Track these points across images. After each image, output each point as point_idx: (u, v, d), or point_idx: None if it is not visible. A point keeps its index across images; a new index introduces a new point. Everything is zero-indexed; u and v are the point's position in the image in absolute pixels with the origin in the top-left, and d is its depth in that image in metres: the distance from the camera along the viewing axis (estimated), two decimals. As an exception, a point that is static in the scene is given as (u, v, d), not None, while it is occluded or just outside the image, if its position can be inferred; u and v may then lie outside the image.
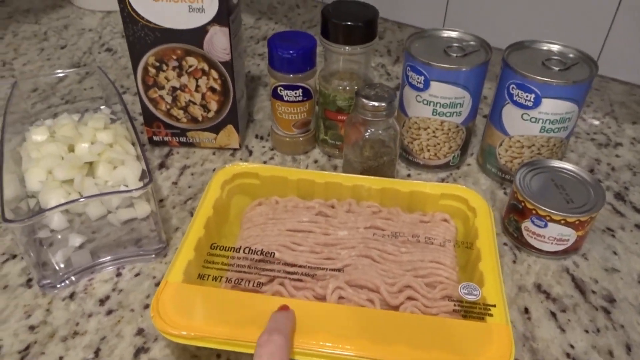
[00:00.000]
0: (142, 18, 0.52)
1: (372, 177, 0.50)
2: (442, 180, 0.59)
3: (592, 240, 0.52)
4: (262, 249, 0.44)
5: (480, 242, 0.44)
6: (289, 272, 0.42)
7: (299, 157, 0.62)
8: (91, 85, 0.72)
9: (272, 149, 0.63)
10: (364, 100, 0.50)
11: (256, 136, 0.65)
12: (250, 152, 0.62)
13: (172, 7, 0.51)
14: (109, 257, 0.49)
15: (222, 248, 0.44)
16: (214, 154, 0.62)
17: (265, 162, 0.61)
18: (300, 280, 0.42)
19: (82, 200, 0.46)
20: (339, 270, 0.43)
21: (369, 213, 0.49)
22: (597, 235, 0.52)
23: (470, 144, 0.61)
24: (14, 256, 0.49)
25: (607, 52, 0.73)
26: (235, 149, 0.62)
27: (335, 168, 0.60)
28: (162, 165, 0.60)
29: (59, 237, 0.49)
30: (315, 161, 0.61)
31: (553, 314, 0.45)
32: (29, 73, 0.76)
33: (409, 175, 0.59)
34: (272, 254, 0.43)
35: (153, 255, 0.50)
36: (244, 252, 0.44)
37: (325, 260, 0.44)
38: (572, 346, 0.43)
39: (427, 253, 0.45)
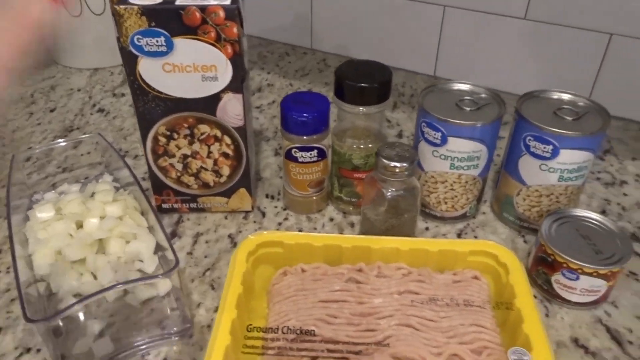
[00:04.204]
0: (153, 89, 0.51)
1: (401, 239, 0.49)
2: (460, 232, 0.59)
3: (619, 286, 0.52)
4: (300, 327, 0.42)
5: (520, 301, 0.44)
6: (331, 350, 0.41)
7: (314, 216, 0.60)
8: (88, 150, 0.70)
9: (284, 209, 0.61)
10: (385, 160, 0.50)
11: (267, 195, 0.63)
12: (264, 214, 0.61)
13: (185, 78, 0.50)
14: (132, 343, 0.46)
15: (259, 330, 0.42)
16: (225, 217, 0.60)
17: (280, 224, 0.59)
18: (346, 359, 0.40)
19: (118, 286, 0.43)
20: (381, 343, 0.41)
21: (400, 276, 0.48)
22: (622, 281, 0.53)
23: (483, 192, 0.61)
24: (28, 350, 0.46)
25: (598, 89, 0.75)
26: (247, 211, 0.61)
27: (352, 225, 0.59)
28: (173, 234, 0.58)
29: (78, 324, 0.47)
30: (331, 219, 0.60)
31: (595, 369, 0.45)
32: (20, 140, 0.73)
33: (427, 229, 0.59)
34: (312, 332, 0.42)
35: (176, 338, 0.47)
36: (282, 332, 0.42)
37: (365, 333, 0.43)
38: (620, 403, 0.42)
39: (466, 316, 0.44)
